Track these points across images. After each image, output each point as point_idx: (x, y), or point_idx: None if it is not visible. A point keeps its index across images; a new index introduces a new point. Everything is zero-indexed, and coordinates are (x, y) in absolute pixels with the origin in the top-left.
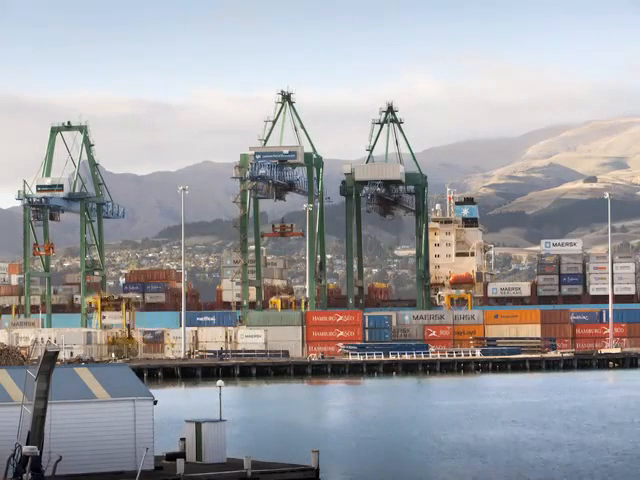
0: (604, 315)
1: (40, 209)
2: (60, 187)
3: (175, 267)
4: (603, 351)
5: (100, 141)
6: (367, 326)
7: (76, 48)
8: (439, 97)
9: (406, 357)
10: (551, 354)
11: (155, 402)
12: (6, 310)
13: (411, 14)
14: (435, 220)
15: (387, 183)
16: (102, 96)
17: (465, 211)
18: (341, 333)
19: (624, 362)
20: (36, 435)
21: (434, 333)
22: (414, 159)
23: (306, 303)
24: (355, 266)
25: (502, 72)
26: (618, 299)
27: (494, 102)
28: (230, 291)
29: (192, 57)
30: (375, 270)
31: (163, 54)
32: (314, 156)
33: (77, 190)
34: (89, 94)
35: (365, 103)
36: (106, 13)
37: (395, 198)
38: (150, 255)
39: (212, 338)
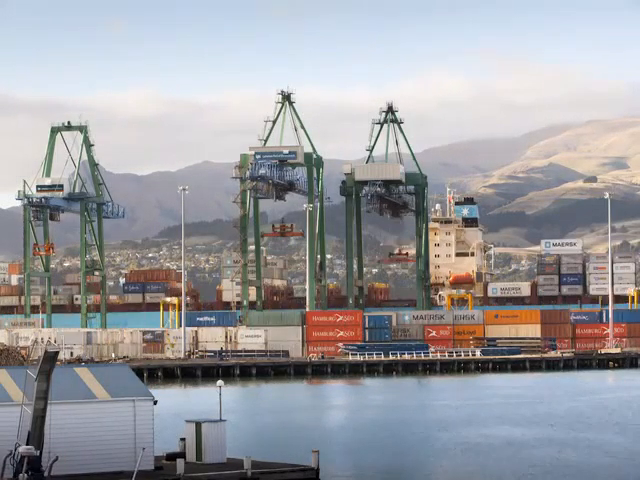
0: (604, 315)
1: (40, 209)
2: (60, 187)
3: (175, 267)
4: (603, 351)
5: (100, 141)
6: (367, 326)
7: (76, 48)
8: (439, 97)
9: (406, 357)
10: (551, 354)
11: (155, 402)
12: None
13: (411, 13)
14: (435, 220)
15: (387, 183)
16: (103, 96)
17: (465, 211)
18: (341, 333)
19: (624, 362)
20: (36, 435)
21: (434, 333)
22: (414, 159)
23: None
24: (355, 266)
25: (503, 71)
26: (618, 299)
27: (494, 102)
28: (230, 291)
29: (194, 56)
30: (375, 270)
31: (165, 54)
32: (314, 156)
33: (77, 190)
34: (90, 94)
35: (365, 103)
36: (105, 13)
37: (395, 198)
38: (150, 255)
39: (212, 338)
